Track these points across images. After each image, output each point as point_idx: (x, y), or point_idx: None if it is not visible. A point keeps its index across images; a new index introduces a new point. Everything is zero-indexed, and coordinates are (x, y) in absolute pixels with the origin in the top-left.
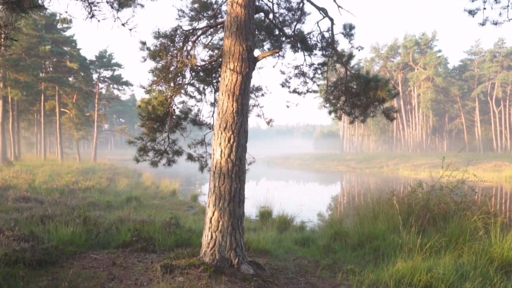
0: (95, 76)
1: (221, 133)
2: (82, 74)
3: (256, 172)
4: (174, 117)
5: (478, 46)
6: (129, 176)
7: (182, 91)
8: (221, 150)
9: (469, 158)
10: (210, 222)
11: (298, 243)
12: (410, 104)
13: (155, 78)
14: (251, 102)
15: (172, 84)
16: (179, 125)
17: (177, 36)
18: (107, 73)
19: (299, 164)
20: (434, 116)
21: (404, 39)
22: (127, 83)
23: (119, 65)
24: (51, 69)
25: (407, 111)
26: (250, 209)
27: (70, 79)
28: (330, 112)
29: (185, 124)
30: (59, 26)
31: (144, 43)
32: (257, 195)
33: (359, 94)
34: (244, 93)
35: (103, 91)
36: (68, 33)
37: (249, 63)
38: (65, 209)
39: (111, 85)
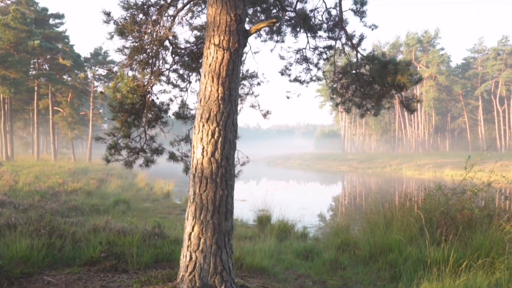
0: (90, 74)
1: (203, 125)
2: (76, 71)
3: (256, 173)
4: (155, 108)
5: (481, 44)
6: (122, 177)
7: (163, 78)
8: (203, 147)
9: (472, 157)
10: (189, 239)
11: (300, 256)
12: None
13: (126, 60)
14: (244, 90)
15: (149, 69)
16: (160, 119)
17: (151, 6)
18: (102, 71)
19: (300, 164)
20: (436, 115)
21: (406, 37)
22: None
23: (114, 63)
24: (45, 66)
25: None
26: (248, 213)
27: (65, 77)
28: (337, 104)
29: (166, 117)
30: (51, 21)
31: (108, 14)
32: (256, 197)
33: (372, 81)
34: (232, 75)
35: (102, 89)
36: (60, 29)
37: (239, 37)
38: (34, 216)
39: (106, 83)
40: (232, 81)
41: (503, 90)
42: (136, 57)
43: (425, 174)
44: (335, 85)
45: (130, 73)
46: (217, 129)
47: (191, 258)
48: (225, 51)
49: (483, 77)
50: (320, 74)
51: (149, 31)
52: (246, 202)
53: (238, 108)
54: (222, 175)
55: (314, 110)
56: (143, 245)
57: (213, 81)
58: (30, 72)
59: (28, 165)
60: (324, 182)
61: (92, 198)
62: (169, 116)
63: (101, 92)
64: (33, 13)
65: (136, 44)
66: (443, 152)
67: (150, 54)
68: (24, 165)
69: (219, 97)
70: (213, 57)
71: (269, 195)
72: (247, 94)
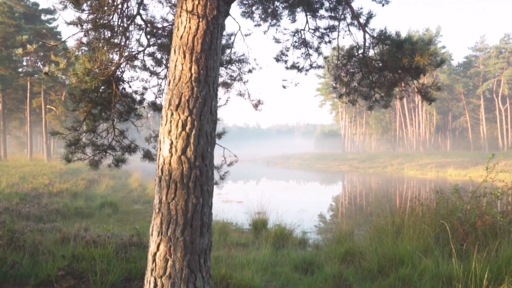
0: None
1: (172, 114)
2: (70, 69)
3: (255, 173)
4: (126, 98)
5: (483, 42)
6: (116, 177)
7: (138, 63)
8: (171, 143)
9: (475, 157)
10: (154, 261)
11: (299, 269)
12: (413, 102)
13: (82, 35)
14: (230, 72)
15: (118, 52)
16: (133, 111)
17: None
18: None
19: (300, 164)
20: (437, 114)
21: (408, 35)
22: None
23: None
24: (39, 64)
25: (410, 109)
26: (243, 217)
27: (59, 75)
28: (340, 96)
29: (140, 108)
30: (42, 17)
31: None
32: (253, 199)
33: (382, 67)
34: (210, 50)
35: (47, 69)
36: (52, 25)
37: (219, 1)
38: None
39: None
40: (209, 58)
41: (505, 89)
42: (94, 33)
43: (428, 174)
44: (338, 73)
45: (87, 52)
46: (189, 118)
47: (156, 285)
48: (201, 20)
49: (485, 75)
50: (321, 60)
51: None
52: (242, 204)
53: (225, 97)
54: (196, 178)
55: (314, 110)
56: (115, 258)
57: (184, 57)
58: (21, 69)
59: (19, 165)
60: (324, 182)
61: (77, 200)
62: (144, 107)
63: (45, 73)
64: (22, 7)
65: (93, 17)
66: (445, 151)
67: (117, 31)
68: (15, 165)
69: (193, 78)
70: (185, 27)
71: (267, 196)
72: (234, 79)
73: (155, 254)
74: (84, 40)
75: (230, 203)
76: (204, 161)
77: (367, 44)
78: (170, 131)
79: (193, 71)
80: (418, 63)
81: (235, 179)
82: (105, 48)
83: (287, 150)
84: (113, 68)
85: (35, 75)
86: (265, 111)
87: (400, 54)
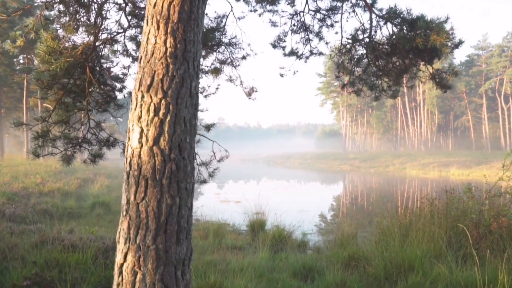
0: None
1: (142, 96)
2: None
3: (255, 172)
4: (105, 87)
5: (485, 41)
6: (112, 176)
7: (119, 47)
8: (141, 130)
9: (477, 156)
10: (120, 274)
11: (298, 275)
12: (415, 101)
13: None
14: (219, 56)
15: (93, 33)
16: (112, 100)
17: None
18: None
19: (300, 164)
20: (439, 114)
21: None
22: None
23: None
24: (35, 61)
25: (411, 108)
26: (239, 217)
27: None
28: (343, 86)
29: (120, 97)
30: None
31: None
32: (252, 199)
33: (391, 52)
34: (189, 20)
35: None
36: None
37: None
38: None
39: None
40: (188, 30)
41: (508, 88)
42: (62, 7)
43: (430, 173)
44: (341, 59)
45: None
46: (163, 102)
47: None
48: None
49: (487, 74)
50: (322, 46)
51: None
52: (241, 204)
53: (215, 84)
54: (171, 173)
55: (314, 109)
56: (94, 265)
57: (158, 28)
58: (16, 67)
59: (14, 164)
60: (325, 182)
61: (68, 200)
62: (124, 96)
63: None
64: (17, 3)
65: None
66: (447, 151)
67: (90, 8)
68: (10, 164)
69: (168, 53)
70: None
71: (266, 196)
72: (224, 62)
73: (121, 265)
74: (50, 15)
75: (228, 203)
76: (181, 153)
77: (373, 26)
78: (140, 117)
79: (168, 44)
80: (434, 43)
81: (235, 178)
82: (73, 25)
83: (287, 150)
84: (82, 48)
85: (32, 72)
86: (265, 110)
87: (413, 33)
